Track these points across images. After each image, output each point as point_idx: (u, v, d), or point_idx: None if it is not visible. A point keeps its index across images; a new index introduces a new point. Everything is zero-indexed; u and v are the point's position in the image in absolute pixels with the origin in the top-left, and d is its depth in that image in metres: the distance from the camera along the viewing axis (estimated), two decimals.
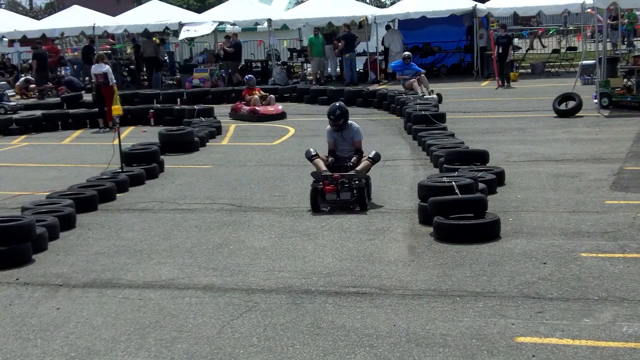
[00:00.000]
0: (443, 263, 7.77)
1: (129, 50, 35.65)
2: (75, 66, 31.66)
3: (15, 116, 20.63)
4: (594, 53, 21.35)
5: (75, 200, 10.52)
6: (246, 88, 20.86)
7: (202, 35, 30.96)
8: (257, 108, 19.77)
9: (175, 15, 30.34)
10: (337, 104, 10.87)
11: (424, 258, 7.98)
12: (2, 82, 27.57)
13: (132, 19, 30.98)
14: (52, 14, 40.75)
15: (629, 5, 24.25)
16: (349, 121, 10.74)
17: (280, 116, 19.75)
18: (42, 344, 6.25)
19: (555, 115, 17.41)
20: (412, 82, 20.79)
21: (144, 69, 30.61)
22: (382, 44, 28.65)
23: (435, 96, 19.96)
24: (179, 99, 23.29)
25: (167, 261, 8.30)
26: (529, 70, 28.36)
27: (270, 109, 19.89)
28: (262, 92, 20.70)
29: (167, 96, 23.61)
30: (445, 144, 12.99)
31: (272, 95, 20.59)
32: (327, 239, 8.83)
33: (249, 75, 21.73)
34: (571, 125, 16.27)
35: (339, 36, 27.55)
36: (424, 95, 20.09)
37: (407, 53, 22.25)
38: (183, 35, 28.96)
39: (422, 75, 21.35)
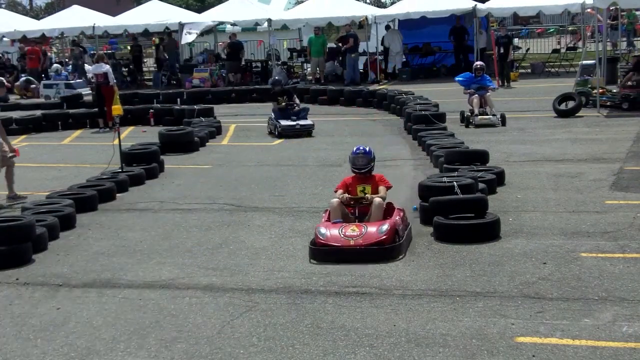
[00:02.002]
0: (443, 263, 7.77)
1: (128, 49, 35.67)
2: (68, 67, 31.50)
3: (15, 116, 20.61)
4: (594, 53, 21.34)
5: (75, 200, 10.52)
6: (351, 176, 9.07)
7: (203, 35, 30.95)
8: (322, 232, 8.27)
9: (175, 15, 30.33)
10: None
11: (424, 258, 7.98)
12: (79, 80, 27.54)
13: (132, 19, 30.99)
14: (52, 14, 40.72)
15: (629, 5, 24.24)
16: None
17: (381, 254, 7.95)
18: (42, 344, 6.25)
19: (555, 115, 17.41)
20: (473, 98, 16.97)
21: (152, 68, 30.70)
22: (382, 44, 28.63)
23: (497, 117, 16.64)
24: (179, 99, 23.28)
25: (167, 261, 8.30)
26: (529, 70, 28.36)
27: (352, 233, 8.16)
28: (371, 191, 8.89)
29: (167, 96, 23.61)
30: (445, 144, 12.99)
31: (382, 188, 8.84)
32: None
33: (359, 149, 8.98)
34: (571, 125, 16.27)
35: (346, 35, 27.40)
36: (477, 115, 16.65)
37: (479, 63, 17.93)
38: (185, 40, 28.99)
39: (489, 93, 17.08)
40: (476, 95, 16.93)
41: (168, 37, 30.48)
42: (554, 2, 26.97)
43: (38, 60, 30.75)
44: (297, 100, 17.70)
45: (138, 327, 6.47)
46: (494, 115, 16.64)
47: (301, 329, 6.26)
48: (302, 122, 16.99)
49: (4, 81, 12.33)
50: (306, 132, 16.82)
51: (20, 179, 13.54)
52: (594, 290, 6.80)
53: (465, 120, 16.67)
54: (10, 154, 11.62)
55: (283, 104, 17.29)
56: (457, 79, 18.10)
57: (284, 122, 16.85)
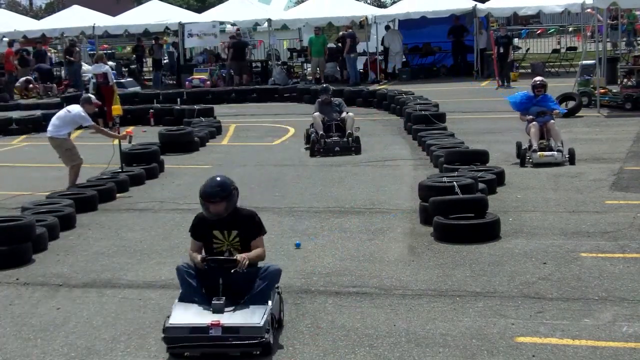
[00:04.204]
0: (443, 263, 7.77)
1: (128, 49, 35.63)
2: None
3: (15, 116, 20.61)
4: (594, 53, 21.33)
5: (75, 200, 10.52)
6: None
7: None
8: None
9: (175, 15, 30.35)
10: None
11: (424, 258, 7.98)
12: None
13: (132, 19, 30.99)
14: (52, 14, 40.71)
15: (629, 5, 24.25)
16: None
17: None
18: (42, 344, 6.25)
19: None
20: (530, 127, 12.55)
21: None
22: (382, 44, 28.63)
23: (563, 153, 12.33)
24: (179, 99, 23.27)
25: (167, 261, 8.29)
26: (529, 70, 28.35)
27: None
28: None
29: (167, 96, 23.61)
30: (445, 144, 12.99)
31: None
32: (327, 239, 8.83)
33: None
34: (571, 125, 16.25)
35: (345, 35, 27.40)
36: (536, 150, 12.28)
37: (539, 79, 13.23)
38: (189, 44, 29.04)
39: (553, 120, 12.66)
40: (535, 123, 12.54)
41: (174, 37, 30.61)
42: (554, 2, 26.98)
43: (11, 64, 29.71)
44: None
45: (138, 327, 6.47)
46: (558, 150, 12.33)
47: (301, 329, 6.26)
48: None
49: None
50: None
51: (21, 179, 13.58)
52: (594, 290, 6.80)
53: (520, 157, 12.43)
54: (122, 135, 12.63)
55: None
56: (509, 99, 13.40)
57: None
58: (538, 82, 13.03)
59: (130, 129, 12.45)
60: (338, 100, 15.41)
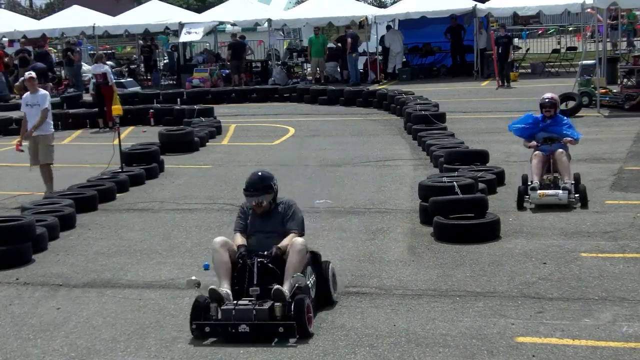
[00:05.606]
0: (443, 263, 7.77)
1: (128, 50, 35.60)
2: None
3: (15, 116, 20.60)
4: (594, 53, 21.34)
5: (75, 200, 10.52)
6: None
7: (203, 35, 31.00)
8: None
9: (175, 15, 30.34)
10: None
11: (424, 258, 7.98)
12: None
13: (132, 19, 30.98)
14: (52, 14, 40.71)
15: (629, 5, 24.25)
16: None
17: None
18: (42, 343, 6.25)
19: None
20: (533, 157, 10.05)
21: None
22: (382, 43, 28.61)
23: (568, 192, 9.64)
24: (179, 99, 23.26)
25: (167, 261, 8.30)
26: (529, 70, 28.35)
27: None
28: None
29: (167, 96, 23.61)
30: (445, 144, 12.99)
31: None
32: (327, 239, 8.82)
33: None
34: None
35: (346, 35, 27.41)
36: (537, 188, 9.67)
37: (548, 97, 10.28)
38: (183, 38, 29.03)
39: (561, 150, 9.89)
40: (538, 152, 10.04)
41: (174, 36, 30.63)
42: (554, 2, 26.96)
43: (3, 64, 29.57)
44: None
45: (138, 327, 6.47)
46: (564, 189, 9.69)
47: None
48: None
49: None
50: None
51: (21, 179, 13.56)
52: (594, 290, 6.80)
53: (517, 196, 9.85)
54: None
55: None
56: (512, 127, 10.55)
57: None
58: (547, 101, 10.23)
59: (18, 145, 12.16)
60: (284, 206, 6.99)
